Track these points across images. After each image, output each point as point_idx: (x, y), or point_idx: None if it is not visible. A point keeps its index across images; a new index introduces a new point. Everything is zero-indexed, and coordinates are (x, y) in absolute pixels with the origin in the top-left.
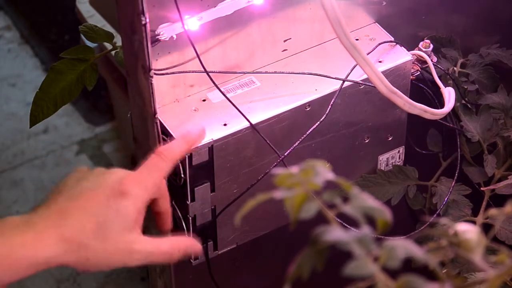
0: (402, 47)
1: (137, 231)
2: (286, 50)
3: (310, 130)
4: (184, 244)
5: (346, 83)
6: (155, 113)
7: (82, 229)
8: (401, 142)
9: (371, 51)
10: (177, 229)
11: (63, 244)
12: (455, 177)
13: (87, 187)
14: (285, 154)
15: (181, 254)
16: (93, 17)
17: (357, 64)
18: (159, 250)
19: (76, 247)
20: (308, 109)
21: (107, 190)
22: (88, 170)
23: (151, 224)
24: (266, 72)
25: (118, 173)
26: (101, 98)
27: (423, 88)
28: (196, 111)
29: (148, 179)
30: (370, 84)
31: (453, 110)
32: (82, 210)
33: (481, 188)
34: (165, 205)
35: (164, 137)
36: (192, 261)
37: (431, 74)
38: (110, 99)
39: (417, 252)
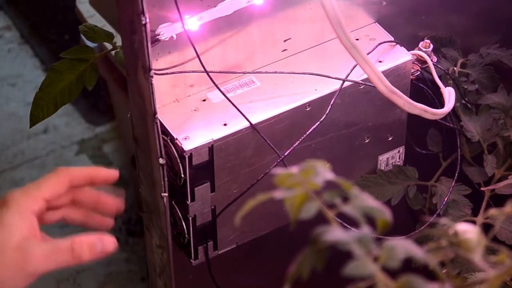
0: (402, 47)
1: (30, 237)
2: (286, 50)
3: (310, 130)
4: (90, 240)
5: (346, 83)
6: (155, 113)
7: None
8: (401, 142)
9: (371, 51)
10: (177, 229)
11: None
12: (455, 177)
13: None
14: (285, 154)
15: (90, 250)
16: (93, 17)
17: (357, 64)
18: (59, 250)
19: None
20: (308, 109)
21: None
22: None
23: (151, 224)
24: (266, 72)
25: (9, 192)
26: (101, 98)
27: (423, 88)
28: (196, 111)
29: (34, 189)
30: (370, 84)
31: (453, 110)
32: None
33: (481, 188)
34: (92, 197)
35: (164, 137)
36: (192, 261)
37: (431, 74)
38: (110, 99)
39: (417, 252)
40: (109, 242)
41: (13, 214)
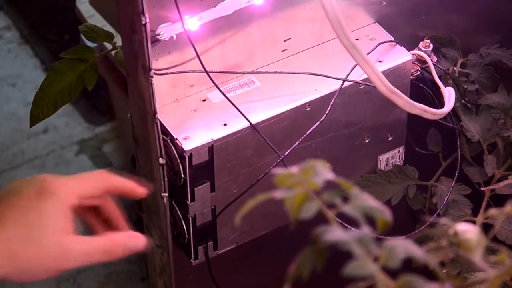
0: (402, 47)
1: (67, 232)
2: (286, 50)
3: (310, 130)
4: (122, 238)
5: (346, 83)
6: (155, 113)
7: (7, 238)
8: (401, 142)
9: (371, 51)
10: (177, 229)
11: None
12: (455, 177)
13: (11, 195)
14: (285, 154)
15: (122, 250)
16: (93, 17)
17: (357, 64)
18: (93, 248)
19: (6, 257)
20: (308, 109)
21: (28, 194)
22: (20, 181)
23: (151, 224)
24: (266, 72)
25: (42, 177)
26: (101, 98)
27: (423, 88)
28: (196, 111)
29: (77, 184)
30: (370, 84)
31: (453, 110)
32: (5, 219)
33: (481, 188)
34: (113, 212)
35: (164, 137)
36: (192, 261)
37: (431, 74)
38: (110, 99)
39: (417, 252)
40: (141, 241)
41: (53, 206)
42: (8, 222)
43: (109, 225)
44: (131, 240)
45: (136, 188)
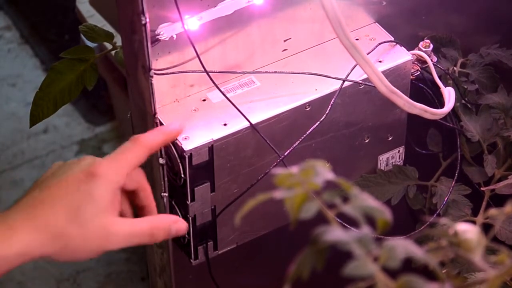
0: (402, 47)
1: (114, 214)
2: (286, 50)
3: (310, 130)
4: (166, 222)
5: (346, 83)
6: (155, 113)
7: (55, 217)
8: (401, 142)
9: (371, 51)
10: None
11: (38, 234)
12: (455, 177)
13: (59, 176)
14: (285, 154)
15: (165, 234)
16: (93, 17)
17: (357, 64)
18: (138, 231)
19: (52, 236)
20: (308, 109)
21: (78, 174)
22: (63, 163)
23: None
24: (266, 72)
25: (89, 159)
26: (101, 98)
27: (423, 88)
28: (196, 111)
29: (120, 162)
30: (370, 84)
31: (453, 110)
32: (54, 198)
33: (481, 188)
34: (147, 197)
35: None
36: (192, 261)
37: (431, 74)
38: (110, 99)
39: (417, 252)
40: (182, 226)
41: (103, 187)
42: (57, 203)
43: (139, 208)
44: (174, 224)
45: (171, 131)
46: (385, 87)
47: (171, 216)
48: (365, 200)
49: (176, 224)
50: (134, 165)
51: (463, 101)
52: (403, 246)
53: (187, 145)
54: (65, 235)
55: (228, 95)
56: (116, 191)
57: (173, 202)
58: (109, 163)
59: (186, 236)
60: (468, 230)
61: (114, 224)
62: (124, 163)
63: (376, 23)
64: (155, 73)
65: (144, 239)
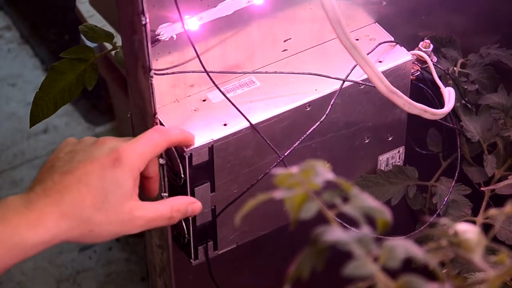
0: (402, 47)
1: (136, 198)
2: (286, 50)
3: (310, 130)
4: (184, 204)
5: (346, 83)
6: (155, 113)
7: (81, 203)
8: (401, 142)
9: (371, 51)
10: (177, 229)
11: (65, 221)
12: (455, 177)
13: (81, 160)
14: (285, 154)
15: (182, 215)
16: (93, 17)
17: (357, 64)
18: (160, 214)
19: (78, 222)
20: (308, 109)
21: (102, 160)
22: (77, 141)
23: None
24: (266, 72)
25: (111, 143)
26: (101, 98)
27: (423, 88)
28: (196, 111)
29: (143, 148)
30: (370, 84)
31: (453, 110)
32: (79, 184)
33: (481, 188)
34: (155, 170)
35: None
36: (192, 261)
37: (431, 74)
38: (110, 99)
39: (417, 252)
40: (197, 206)
41: (127, 173)
42: (83, 190)
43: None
44: (190, 206)
45: (189, 137)
46: (385, 87)
47: (188, 198)
48: (365, 200)
49: (192, 205)
50: (155, 154)
51: (463, 101)
52: (403, 246)
53: None
54: (91, 221)
55: (228, 95)
56: (138, 176)
57: None
58: (133, 149)
59: (186, 236)
60: (468, 230)
61: (138, 209)
62: (145, 149)
63: (376, 23)
64: (155, 73)
65: (164, 222)
